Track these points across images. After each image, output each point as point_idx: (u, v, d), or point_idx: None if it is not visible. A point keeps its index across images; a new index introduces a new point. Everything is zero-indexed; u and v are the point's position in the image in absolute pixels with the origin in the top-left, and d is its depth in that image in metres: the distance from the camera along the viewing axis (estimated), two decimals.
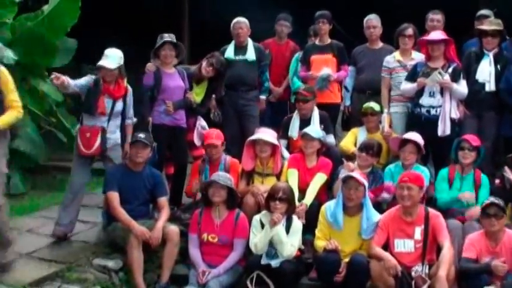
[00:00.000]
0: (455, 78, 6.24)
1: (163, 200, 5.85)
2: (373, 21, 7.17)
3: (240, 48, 7.22)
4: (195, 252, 5.64)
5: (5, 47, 7.17)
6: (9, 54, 7.06)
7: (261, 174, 6.20)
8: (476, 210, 5.49)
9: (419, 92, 6.29)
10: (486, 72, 6.35)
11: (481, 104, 6.36)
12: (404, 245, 5.26)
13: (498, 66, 6.33)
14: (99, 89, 5.79)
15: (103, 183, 5.86)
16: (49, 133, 8.08)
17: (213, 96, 6.90)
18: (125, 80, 5.97)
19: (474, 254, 5.16)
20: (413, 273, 5.06)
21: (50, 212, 6.41)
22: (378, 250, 5.23)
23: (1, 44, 7.15)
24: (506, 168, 5.77)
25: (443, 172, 5.95)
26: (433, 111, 6.22)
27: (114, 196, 5.64)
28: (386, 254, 5.17)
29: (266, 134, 6.14)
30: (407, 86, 6.40)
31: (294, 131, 6.58)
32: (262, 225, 5.45)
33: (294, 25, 7.94)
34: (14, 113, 5.11)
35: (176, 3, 10.26)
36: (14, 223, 6.28)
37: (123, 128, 5.98)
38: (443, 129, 6.15)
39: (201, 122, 6.72)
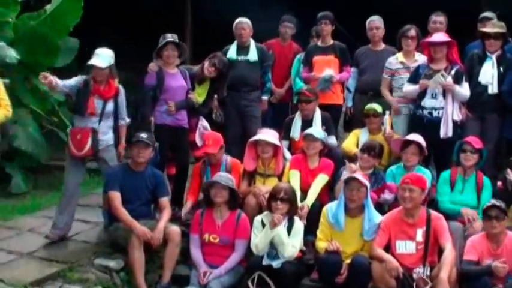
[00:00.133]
0: (457, 80, 6.23)
1: (165, 201, 5.84)
2: (376, 22, 7.17)
3: (242, 49, 7.23)
4: (196, 253, 5.64)
5: (8, 46, 7.20)
6: (12, 54, 7.08)
7: (263, 175, 6.19)
8: (478, 225, 5.49)
9: (422, 94, 6.28)
10: (489, 74, 6.36)
11: (483, 106, 6.36)
12: (405, 247, 5.26)
13: (501, 69, 6.34)
14: (89, 90, 5.74)
15: (104, 182, 5.85)
16: (51, 132, 8.07)
17: (215, 96, 6.90)
18: (116, 80, 5.92)
19: (475, 256, 5.15)
20: (414, 275, 5.06)
21: (51, 211, 6.39)
22: (380, 251, 5.22)
23: (3, 43, 7.17)
24: (508, 170, 5.77)
25: (445, 174, 5.94)
26: (435, 113, 6.21)
27: (116, 196, 5.63)
28: (387, 256, 5.17)
29: (268, 135, 6.13)
30: (410, 88, 6.40)
31: (295, 132, 6.58)
32: (264, 226, 5.45)
33: (297, 26, 7.94)
34: (3, 111, 5.10)
35: (179, 3, 10.26)
36: (15, 222, 6.32)
37: (116, 129, 5.94)
38: (446, 131, 6.14)
39: (203, 123, 6.71)
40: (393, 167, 6.08)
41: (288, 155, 6.40)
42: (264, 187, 6.00)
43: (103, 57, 5.78)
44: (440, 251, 5.17)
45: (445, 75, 6.17)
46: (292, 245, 5.37)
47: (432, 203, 5.83)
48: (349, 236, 5.41)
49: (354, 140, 6.63)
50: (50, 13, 7.66)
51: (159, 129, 6.21)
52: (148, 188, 5.80)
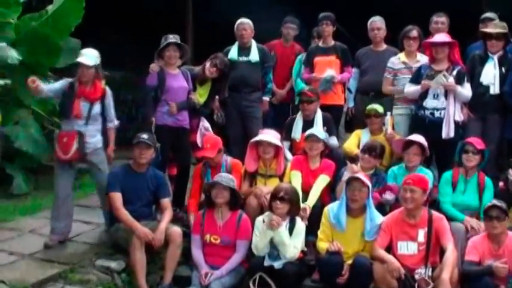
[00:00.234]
0: (459, 81, 6.22)
1: (166, 201, 5.83)
2: (377, 23, 7.17)
3: (244, 50, 7.24)
4: (197, 254, 5.63)
5: (9, 46, 7.18)
6: (13, 54, 7.07)
7: (264, 175, 6.18)
8: (482, 230, 5.46)
9: (423, 95, 6.27)
10: (490, 75, 6.35)
11: (485, 107, 6.36)
12: (407, 248, 5.26)
13: (502, 69, 6.34)
14: (74, 92, 5.67)
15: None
16: (52, 133, 8.02)
17: (216, 97, 6.90)
18: (103, 82, 5.84)
19: (477, 257, 5.14)
20: (416, 276, 5.06)
21: None
22: (381, 252, 5.22)
23: (5, 44, 7.16)
24: (510, 170, 5.76)
25: (447, 175, 5.93)
26: (437, 114, 6.20)
27: (117, 197, 5.62)
28: (389, 257, 5.16)
29: (269, 136, 6.13)
30: (411, 88, 6.39)
31: (297, 132, 6.58)
32: None
33: (299, 27, 7.94)
34: None
35: (180, 3, 10.26)
36: (16, 223, 6.32)
37: (104, 132, 5.86)
38: (448, 131, 6.13)
39: (204, 123, 6.71)
40: (395, 168, 6.08)
41: (289, 155, 6.40)
42: (266, 188, 5.99)
43: (89, 56, 5.72)
44: (442, 252, 5.17)
45: (447, 76, 6.16)
46: (293, 245, 5.36)
47: (434, 203, 5.81)
48: (351, 236, 5.41)
49: (356, 141, 6.63)
50: (51, 14, 7.64)
51: (160, 129, 6.21)
52: (150, 189, 5.80)
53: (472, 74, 6.42)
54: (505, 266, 4.97)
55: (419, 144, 5.92)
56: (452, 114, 6.17)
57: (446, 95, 6.20)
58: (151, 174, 5.82)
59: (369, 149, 6.04)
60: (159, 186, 5.83)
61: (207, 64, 6.55)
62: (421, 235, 5.23)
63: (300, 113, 6.67)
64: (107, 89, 5.86)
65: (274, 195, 5.45)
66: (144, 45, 6.95)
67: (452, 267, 5.01)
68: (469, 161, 5.82)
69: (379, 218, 5.39)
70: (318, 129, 6.34)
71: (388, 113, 6.53)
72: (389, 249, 5.29)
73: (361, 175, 5.49)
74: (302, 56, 7.63)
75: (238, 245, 5.61)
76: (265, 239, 5.36)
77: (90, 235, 6.04)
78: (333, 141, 6.55)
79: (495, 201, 5.22)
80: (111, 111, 5.89)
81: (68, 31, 7.82)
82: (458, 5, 8.08)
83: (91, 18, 7.75)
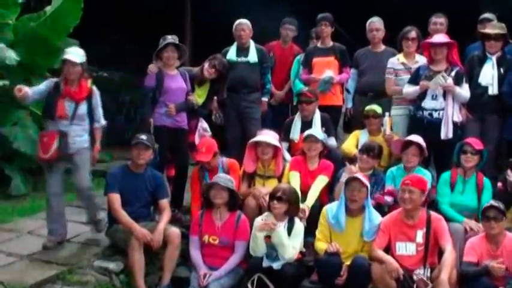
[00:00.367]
0: (458, 81, 6.24)
1: (165, 202, 5.82)
2: (376, 24, 7.17)
3: (242, 50, 7.24)
4: (196, 254, 5.63)
5: (7, 47, 7.18)
6: (12, 55, 7.07)
7: (263, 176, 6.19)
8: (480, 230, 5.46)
9: (422, 95, 6.28)
10: (489, 75, 6.36)
11: (483, 108, 6.37)
12: (406, 248, 5.26)
13: (501, 70, 6.34)
14: (59, 92, 5.60)
15: (104, 185, 5.84)
16: None
17: (215, 98, 6.89)
18: (89, 81, 5.76)
19: (475, 257, 5.15)
20: (414, 277, 5.06)
21: None
22: (380, 253, 5.22)
23: (3, 45, 7.16)
24: (508, 171, 5.75)
25: (446, 175, 5.93)
26: (435, 114, 6.21)
27: (116, 198, 5.62)
28: (388, 257, 5.16)
29: (268, 136, 6.13)
30: (410, 89, 6.40)
31: (295, 133, 6.58)
32: None
33: (298, 28, 7.94)
34: None
35: (179, 4, 10.26)
36: (14, 225, 6.31)
37: (92, 132, 5.78)
38: (446, 132, 6.14)
39: (203, 124, 6.70)
40: (393, 168, 6.07)
41: (287, 156, 6.39)
42: (264, 189, 5.99)
43: (75, 54, 5.66)
44: (441, 253, 5.17)
45: (446, 77, 6.17)
46: (292, 246, 5.36)
47: (432, 204, 5.82)
48: (350, 236, 5.41)
49: (354, 141, 6.64)
50: (49, 14, 7.64)
51: (159, 130, 6.19)
52: (148, 189, 5.79)
53: (470, 74, 6.43)
54: (501, 266, 4.97)
55: (418, 145, 5.92)
56: (451, 115, 6.18)
57: (444, 96, 6.21)
58: (149, 175, 5.81)
59: (366, 150, 6.04)
60: (157, 187, 5.82)
61: (206, 65, 6.55)
62: (420, 236, 5.23)
63: (298, 113, 6.67)
64: (94, 88, 5.78)
65: (272, 195, 5.45)
66: (144, 45, 6.94)
67: (451, 268, 5.01)
68: (468, 162, 5.82)
69: (377, 219, 5.40)
70: (317, 129, 6.35)
71: (387, 114, 6.54)
72: (388, 249, 5.29)
73: (360, 175, 5.49)
74: (300, 57, 7.63)
75: (236, 245, 5.60)
76: (257, 240, 5.35)
77: (88, 236, 6.02)
78: (332, 141, 6.55)
79: (493, 202, 5.22)
80: (99, 111, 5.82)
81: (66, 32, 7.82)
82: (458, 6, 8.08)
83: (91, 19, 7.75)
